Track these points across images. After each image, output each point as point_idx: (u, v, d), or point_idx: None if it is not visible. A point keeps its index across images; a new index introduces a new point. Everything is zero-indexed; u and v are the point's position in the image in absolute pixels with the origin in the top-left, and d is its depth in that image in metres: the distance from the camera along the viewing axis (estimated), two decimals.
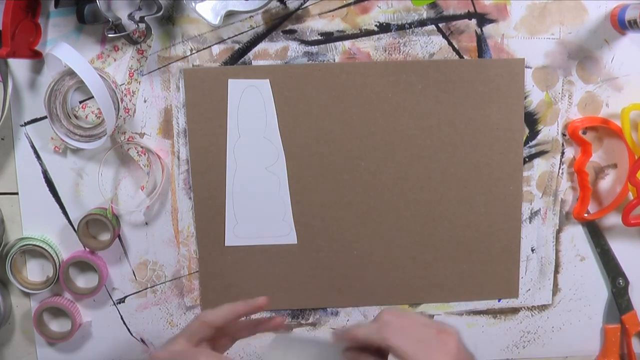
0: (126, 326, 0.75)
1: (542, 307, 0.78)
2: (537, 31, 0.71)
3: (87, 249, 0.72)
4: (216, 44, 0.70)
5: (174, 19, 0.69)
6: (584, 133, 0.73)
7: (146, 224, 0.73)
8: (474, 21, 0.71)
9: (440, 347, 0.54)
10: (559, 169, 0.74)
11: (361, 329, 0.55)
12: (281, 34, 0.70)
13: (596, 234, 0.76)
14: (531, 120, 0.73)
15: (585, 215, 0.75)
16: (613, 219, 0.76)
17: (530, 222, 0.75)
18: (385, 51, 0.71)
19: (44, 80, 0.69)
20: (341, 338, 0.56)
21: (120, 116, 0.70)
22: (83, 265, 0.73)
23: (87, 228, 0.72)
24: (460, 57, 0.71)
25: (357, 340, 0.55)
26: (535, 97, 0.73)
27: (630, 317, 0.77)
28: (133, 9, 0.66)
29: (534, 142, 0.74)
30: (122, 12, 0.67)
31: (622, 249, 0.76)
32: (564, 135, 0.74)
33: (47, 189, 0.72)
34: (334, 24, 0.70)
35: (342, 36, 0.70)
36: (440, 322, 0.55)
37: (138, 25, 0.66)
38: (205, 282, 0.74)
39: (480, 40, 0.71)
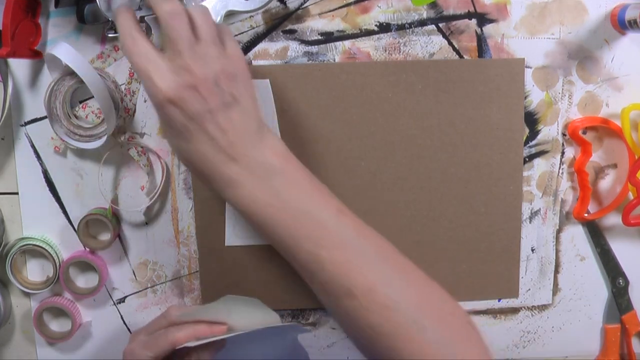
0: (126, 326, 0.75)
1: (542, 307, 0.78)
2: (537, 31, 0.71)
3: (87, 249, 0.72)
4: None
5: None
6: (584, 133, 0.73)
7: (146, 224, 0.73)
8: (474, 21, 0.71)
9: (189, 67, 0.52)
10: (559, 169, 0.74)
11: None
12: (281, 34, 0.70)
13: (596, 234, 0.76)
14: (531, 120, 0.73)
15: (585, 215, 0.75)
16: (613, 219, 0.76)
17: (530, 222, 0.75)
18: (385, 51, 0.71)
19: (44, 80, 0.69)
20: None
21: (120, 116, 0.70)
22: (83, 265, 0.73)
23: (87, 228, 0.72)
24: (460, 57, 0.71)
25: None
26: (535, 97, 0.73)
27: (630, 317, 0.77)
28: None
29: (534, 142, 0.74)
30: None
31: (622, 249, 0.76)
32: (564, 135, 0.74)
33: (47, 189, 0.72)
34: (334, 24, 0.70)
35: (342, 36, 0.70)
36: None
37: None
38: (205, 282, 0.74)
39: (480, 40, 0.71)
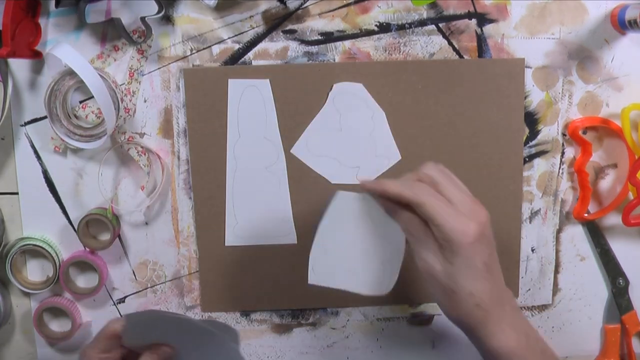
0: None
1: (542, 307, 0.78)
2: (537, 31, 0.71)
3: (87, 249, 0.72)
4: (216, 44, 0.70)
5: (174, 19, 0.69)
6: (584, 133, 0.73)
7: (146, 224, 0.73)
8: (474, 21, 0.71)
9: (472, 214, 0.54)
10: (559, 169, 0.74)
11: (393, 184, 0.54)
12: (281, 34, 0.70)
13: (596, 234, 0.76)
14: (531, 120, 0.73)
15: (586, 215, 0.75)
16: (613, 219, 0.76)
17: (530, 222, 0.75)
18: (385, 51, 0.71)
19: (44, 80, 0.69)
20: (371, 189, 0.55)
21: (120, 116, 0.70)
22: (83, 265, 0.73)
23: (87, 228, 0.72)
24: (460, 57, 0.71)
25: (388, 195, 0.54)
26: (535, 97, 0.73)
27: (630, 317, 0.77)
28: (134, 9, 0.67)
29: (534, 142, 0.74)
30: (122, 12, 0.67)
31: (622, 249, 0.76)
32: (564, 135, 0.74)
33: (47, 189, 0.72)
34: (334, 24, 0.70)
35: (342, 36, 0.70)
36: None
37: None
38: (205, 282, 0.74)
39: (480, 40, 0.71)
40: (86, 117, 0.70)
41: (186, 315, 0.60)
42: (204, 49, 0.70)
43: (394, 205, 0.55)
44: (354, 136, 0.72)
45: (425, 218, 0.53)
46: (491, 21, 0.71)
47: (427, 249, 0.54)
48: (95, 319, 0.75)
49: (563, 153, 0.74)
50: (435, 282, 0.54)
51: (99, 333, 0.57)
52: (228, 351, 0.56)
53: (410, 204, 0.53)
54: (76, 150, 0.71)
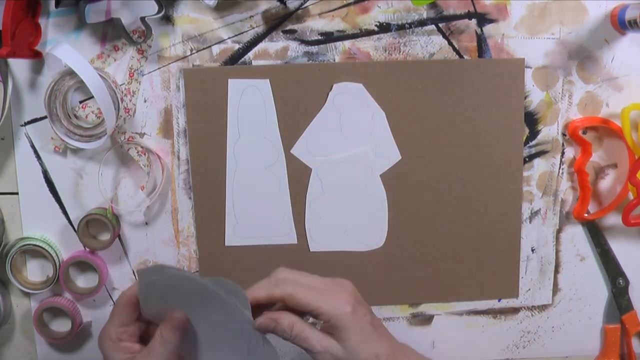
0: None
1: (542, 307, 0.78)
2: (537, 31, 0.71)
3: (87, 249, 0.72)
4: (216, 44, 0.70)
5: (174, 19, 0.69)
6: (584, 133, 0.73)
7: (146, 224, 0.73)
8: (474, 21, 0.71)
9: (340, 289, 0.57)
10: (559, 169, 0.74)
11: (259, 289, 0.57)
12: (281, 34, 0.70)
13: (596, 234, 0.76)
14: (531, 120, 0.73)
15: (585, 215, 0.75)
16: (613, 219, 0.76)
17: (530, 222, 0.75)
18: (385, 51, 0.71)
19: (44, 80, 0.69)
20: (250, 306, 0.56)
21: (120, 116, 0.70)
22: (83, 265, 0.73)
23: (87, 228, 0.72)
24: (460, 57, 0.71)
25: (259, 300, 0.56)
26: (535, 97, 0.73)
27: (630, 317, 0.77)
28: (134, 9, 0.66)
29: (534, 142, 0.74)
30: (122, 12, 0.67)
31: (622, 249, 0.76)
32: (564, 135, 0.74)
33: (47, 189, 0.72)
34: (334, 24, 0.70)
35: (342, 36, 0.70)
36: None
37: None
38: None
39: (480, 40, 0.71)
40: (86, 117, 0.70)
41: (195, 275, 0.59)
42: (204, 49, 0.70)
43: (272, 318, 0.56)
44: (354, 136, 0.72)
45: (300, 307, 0.55)
46: (491, 21, 0.71)
47: (319, 340, 0.56)
48: (95, 319, 0.75)
49: (563, 153, 0.74)
50: None
51: (114, 307, 0.58)
52: (239, 321, 0.56)
53: (281, 300, 0.56)
54: (76, 150, 0.71)
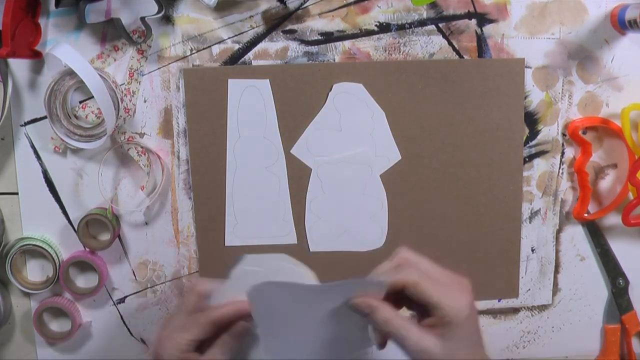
0: (126, 326, 0.75)
1: (542, 307, 0.78)
2: (537, 31, 0.71)
3: (87, 249, 0.72)
4: (216, 44, 0.70)
5: (174, 19, 0.69)
6: (584, 133, 0.73)
7: (146, 224, 0.73)
8: (474, 21, 0.71)
9: (459, 286, 0.55)
10: (559, 169, 0.74)
11: (383, 273, 0.55)
12: (281, 34, 0.70)
13: (596, 234, 0.76)
14: (531, 120, 0.73)
15: (586, 215, 0.75)
16: (613, 219, 0.76)
17: (530, 222, 0.75)
18: (385, 51, 0.71)
19: (44, 80, 0.69)
20: (361, 303, 0.55)
21: (120, 116, 0.70)
22: (83, 265, 0.73)
23: (87, 228, 0.72)
24: (460, 57, 0.71)
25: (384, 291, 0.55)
26: (535, 97, 0.73)
27: (630, 317, 0.77)
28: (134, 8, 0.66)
29: (534, 142, 0.74)
30: (122, 12, 0.67)
31: (622, 249, 0.76)
32: (564, 135, 0.74)
33: (47, 189, 0.72)
34: (334, 24, 0.70)
35: (342, 36, 0.70)
36: None
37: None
38: None
39: (480, 40, 0.71)
40: (86, 117, 0.70)
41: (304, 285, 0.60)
42: (204, 49, 0.70)
43: (369, 305, 0.55)
44: (354, 136, 0.72)
45: (419, 297, 0.54)
46: (491, 21, 0.71)
47: (418, 340, 0.54)
48: (95, 319, 0.75)
49: (563, 153, 0.74)
50: None
51: (198, 317, 0.57)
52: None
53: (403, 286, 0.54)
54: (76, 150, 0.71)
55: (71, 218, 0.72)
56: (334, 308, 0.56)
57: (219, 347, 0.56)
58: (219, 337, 0.57)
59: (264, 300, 0.56)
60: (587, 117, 0.73)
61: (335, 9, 0.70)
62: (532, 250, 0.76)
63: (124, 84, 0.70)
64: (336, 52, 0.71)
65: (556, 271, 0.77)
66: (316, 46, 0.70)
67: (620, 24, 0.69)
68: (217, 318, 0.56)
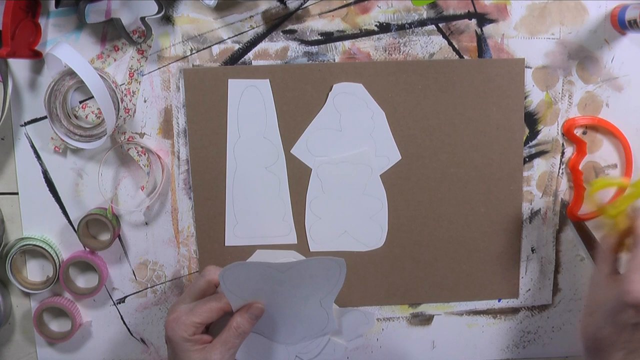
0: (126, 326, 0.75)
1: (542, 307, 0.78)
2: (537, 31, 0.71)
3: (87, 249, 0.72)
4: (216, 44, 0.70)
5: (174, 19, 0.69)
6: (585, 133, 0.73)
7: (146, 224, 0.73)
8: (474, 21, 0.71)
9: None
10: (559, 169, 0.74)
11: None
12: (281, 34, 0.70)
13: (588, 236, 0.75)
14: (531, 120, 0.73)
15: (579, 214, 0.75)
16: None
17: (530, 222, 0.75)
18: (385, 51, 0.71)
19: (44, 80, 0.69)
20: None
21: (120, 116, 0.70)
22: (83, 265, 0.73)
23: (87, 228, 0.72)
24: (460, 57, 0.71)
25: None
26: (535, 97, 0.73)
27: None
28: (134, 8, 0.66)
29: (534, 142, 0.74)
30: (122, 12, 0.67)
31: None
32: (564, 135, 0.74)
33: (47, 189, 0.72)
34: (334, 24, 0.70)
35: (342, 36, 0.70)
36: None
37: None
38: None
39: (480, 40, 0.71)
40: (86, 117, 0.70)
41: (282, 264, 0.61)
42: (204, 49, 0.70)
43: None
44: (354, 136, 0.72)
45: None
46: (491, 21, 0.71)
47: None
48: (95, 319, 0.75)
49: (563, 153, 0.74)
50: None
51: (205, 303, 0.60)
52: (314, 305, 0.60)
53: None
54: (76, 150, 0.71)
55: (71, 218, 0.72)
56: (299, 287, 0.59)
57: (232, 331, 0.59)
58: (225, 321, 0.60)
59: (234, 280, 0.58)
60: (582, 115, 0.73)
61: (335, 9, 0.70)
62: (532, 250, 0.76)
63: (124, 84, 0.70)
64: (336, 52, 0.71)
65: (556, 271, 0.77)
66: (316, 46, 0.70)
67: (620, 24, 0.69)
68: (227, 305, 0.59)
